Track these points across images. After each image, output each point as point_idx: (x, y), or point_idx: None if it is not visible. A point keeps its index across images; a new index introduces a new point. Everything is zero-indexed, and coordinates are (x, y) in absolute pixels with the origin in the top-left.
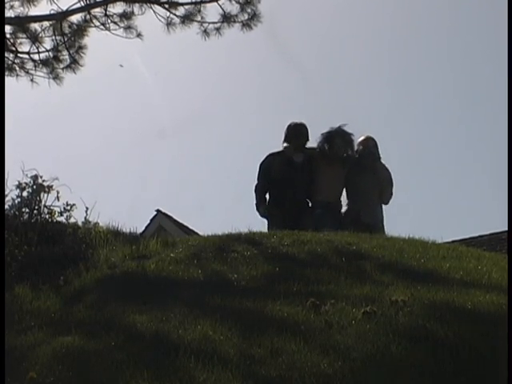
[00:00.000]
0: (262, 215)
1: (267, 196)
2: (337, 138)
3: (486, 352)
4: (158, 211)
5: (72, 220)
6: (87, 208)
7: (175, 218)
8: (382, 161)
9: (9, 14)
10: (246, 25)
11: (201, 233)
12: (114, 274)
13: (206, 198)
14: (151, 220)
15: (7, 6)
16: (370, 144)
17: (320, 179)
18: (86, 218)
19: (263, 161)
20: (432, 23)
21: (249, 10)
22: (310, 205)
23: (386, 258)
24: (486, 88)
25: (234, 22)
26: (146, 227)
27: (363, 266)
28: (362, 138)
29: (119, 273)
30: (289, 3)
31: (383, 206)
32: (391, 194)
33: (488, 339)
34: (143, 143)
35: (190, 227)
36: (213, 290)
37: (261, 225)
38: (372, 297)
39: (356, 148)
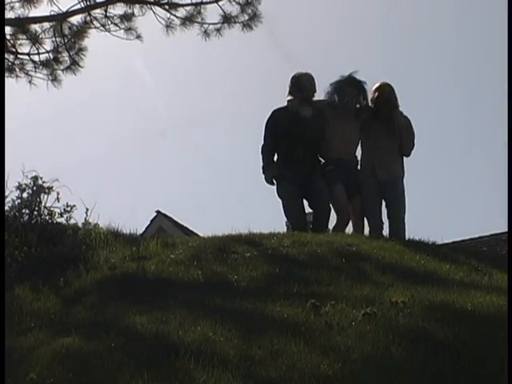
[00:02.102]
0: (269, 182)
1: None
2: (347, 87)
3: (486, 353)
4: (158, 212)
5: (72, 221)
6: (87, 209)
7: (175, 218)
8: (401, 109)
9: (9, 15)
10: (247, 25)
11: (201, 234)
12: (114, 275)
13: (206, 199)
14: (151, 221)
15: (7, 7)
16: (385, 91)
17: (331, 134)
18: (86, 219)
19: (268, 118)
20: (438, 28)
21: (249, 11)
22: (322, 163)
23: (386, 259)
24: (487, 88)
25: (235, 22)
26: (146, 228)
27: (363, 268)
28: (376, 84)
29: (119, 274)
30: (289, 3)
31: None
32: (413, 144)
33: (488, 340)
34: (143, 143)
35: (190, 228)
36: (213, 291)
37: (261, 225)
38: (372, 298)
39: (370, 97)
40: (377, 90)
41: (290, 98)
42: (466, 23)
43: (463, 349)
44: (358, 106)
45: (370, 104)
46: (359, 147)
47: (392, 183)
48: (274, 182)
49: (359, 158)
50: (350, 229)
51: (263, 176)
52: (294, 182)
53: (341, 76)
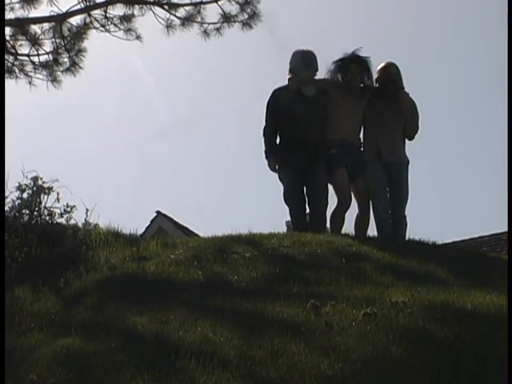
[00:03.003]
0: (272, 168)
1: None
2: (351, 64)
3: (486, 353)
4: (158, 212)
5: (72, 221)
6: (87, 209)
7: (175, 219)
8: (406, 90)
9: (9, 15)
10: (246, 24)
11: (201, 234)
12: (114, 275)
13: (206, 199)
14: (151, 221)
15: (7, 7)
16: (391, 71)
17: (334, 115)
18: (86, 219)
19: (269, 98)
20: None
21: (248, 10)
22: (326, 146)
23: (386, 259)
24: (486, 88)
25: (234, 21)
26: (146, 229)
27: (363, 268)
28: (381, 64)
29: (119, 274)
30: (288, 2)
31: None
32: (417, 126)
33: (488, 340)
34: (143, 143)
35: (190, 228)
36: (213, 291)
37: (261, 225)
38: (372, 298)
39: (374, 76)
40: (382, 69)
41: (291, 76)
42: (465, 19)
43: (463, 349)
44: (362, 85)
45: (374, 83)
46: (363, 128)
47: (397, 166)
48: (277, 169)
49: (363, 139)
50: (353, 210)
51: (266, 162)
52: (296, 167)
53: (344, 53)
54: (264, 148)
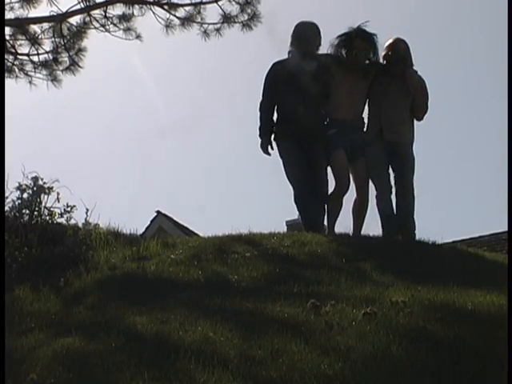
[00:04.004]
0: (264, 149)
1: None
2: (356, 39)
3: (486, 353)
4: (158, 212)
5: (72, 221)
6: (87, 209)
7: (175, 219)
8: (415, 68)
9: (9, 15)
10: (246, 25)
11: (201, 234)
12: (114, 275)
13: (206, 199)
14: (151, 221)
15: (7, 7)
16: (400, 47)
17: (336, 92)
18: (86, 219)
19: (268, 71)
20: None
21: (249, 11)
22: (325, 125)
23: (386, 259)
24: (486, 87)
25: (234, 22)
26: (146, 228)
27: (363, 267)
28: (389, 40)
29: (119, 274)
30: (288, 3)
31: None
32: (426, 107)
33: (488, 340)
34: (143, 143)
35: (190, 228)
36: (213, 291)
37: (261, 225)
38: (372, 298)
39: (382, 53)
40: (390, 46)
41: (291, 49)
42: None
43: (463, 349)
44: (367, 62)
45: (380, 61)
46: (366, 108)
47: (400, 146)
48: (271, 151)
49: (366, 119)
50: (350, 195)
51: (259, 141)
52: (295, 141)
53: (349, 28)
54: (259, 124)
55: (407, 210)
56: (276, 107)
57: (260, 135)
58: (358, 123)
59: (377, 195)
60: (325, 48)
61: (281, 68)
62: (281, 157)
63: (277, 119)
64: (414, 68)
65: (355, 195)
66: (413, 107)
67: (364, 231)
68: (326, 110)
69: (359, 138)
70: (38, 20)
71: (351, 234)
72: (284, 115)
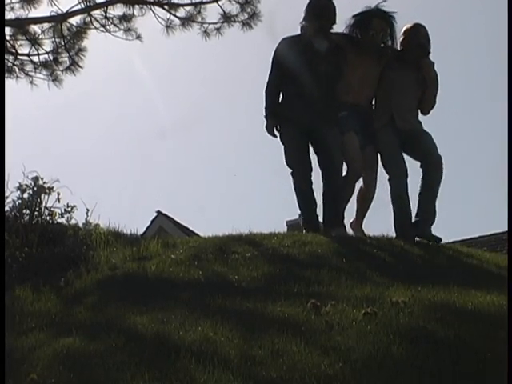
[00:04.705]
0: (270, 131)
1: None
2: (374, 19)
3: (486, 353)
4: (159, 212)
5: (73, 221)
6: (88, 209)
7: (176, 219)
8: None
9: (9, 15)
10: (246, 24)
11: (201, 234)
12: (114, 275)
13: (207, 199)
14: (152, 221)
15: (7, 7)
16: (420, 33)
17: (349, 75)
18: (86, 219)
19: (277, 46)
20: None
21: (248, 10)
22: (335, 108)
23: (386, 259)
24: (486, 87)
25: (234, 21)
26: (147, 228)
27: (363, 268)
28: (408, 25)
29: (120, 274)
30: (288, 1)
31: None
32: (434, 101)
33: (488, 340)
34: (143, 143)
35: (191, 228)
36: (213, 291)
37: (261, 225)
38: (373, 298)
39: (399, 38)
40: (410, 30)
41: (304, 24)
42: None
43: (463, 349)
44: (382, 45)
45: (396, 45)
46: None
47: (414, 131)
48: (276, 133)
49: (375, 105)
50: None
51: (265, 123)
52: (300, 127)
53: (366, 7)
54: (264, 105)
55: (434, 185)
56: (283, 87)
57: (266, 116)
58: (368, 109)
59: (390, 179)
60: (339, 29)
61: (289, 44)
62: (282, 142)
63: (282, 100)
64: (431, 59)
65: (361, 183)
66: (421, 100)
67: (364, 231)
68: (335, 93)
69: (369, 125)
70: (38, 20)
71: (352, 222)
72: (289, 97)
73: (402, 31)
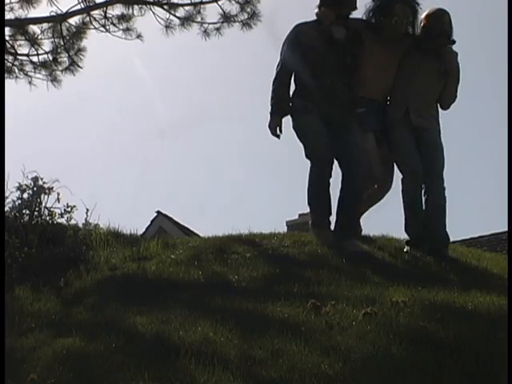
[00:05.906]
0: (272, 131)
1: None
2: (398, 4)
3: (486, 353)
4: (159, 212)
5: (72, 222)
6: (87, 209)
7: (175, 219)
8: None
9: (9, 16)
10: (246, 24)
11: (201, 234)
12: (114, 275)
13: (206, 199)
14: (151, 221)
15: (7, 8)
16: (445, 19)
17: (365, 66)
18: (86, 219)
19: (289, 32)
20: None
21: (248, 10)
22: (352, 101)
23: (386, 258)
24: (486, 87)
25: (234, 21)
26: (147, 229)
27: (363, 267)
28: (429, 10)
29: (120, 274)
30: (288, 1)
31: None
32: (455, 94)
33: (488, 340)
34: (143, 143)
35: (191, 228)
36: (213, 291)
37: (261, 225)
38: (372, 298)
39: (420, 24)
40: (432, 16)
41: (323, 9)
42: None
43: (463, 349)
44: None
45: (418, 34)
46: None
47: (429, 133)
48: (279, 133)
49: (390, 97)
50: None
51: (268, 121)
52: (322, 116)
53: None
54: (271, 99)
55: (438, 213)
56: (295, 78)
57: (271, 112)
58: (384, 105)
59: (403, 179)
60: (359, 15)
61: (306, 31)
62: (297, 132)
63: (294, 92)
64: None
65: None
66: (442, 93)
67: (364, 231)
68: (352, 86)
69: (384, 121)
70: (37, 20)
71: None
72: (306, 87)
73: (423, 16)
